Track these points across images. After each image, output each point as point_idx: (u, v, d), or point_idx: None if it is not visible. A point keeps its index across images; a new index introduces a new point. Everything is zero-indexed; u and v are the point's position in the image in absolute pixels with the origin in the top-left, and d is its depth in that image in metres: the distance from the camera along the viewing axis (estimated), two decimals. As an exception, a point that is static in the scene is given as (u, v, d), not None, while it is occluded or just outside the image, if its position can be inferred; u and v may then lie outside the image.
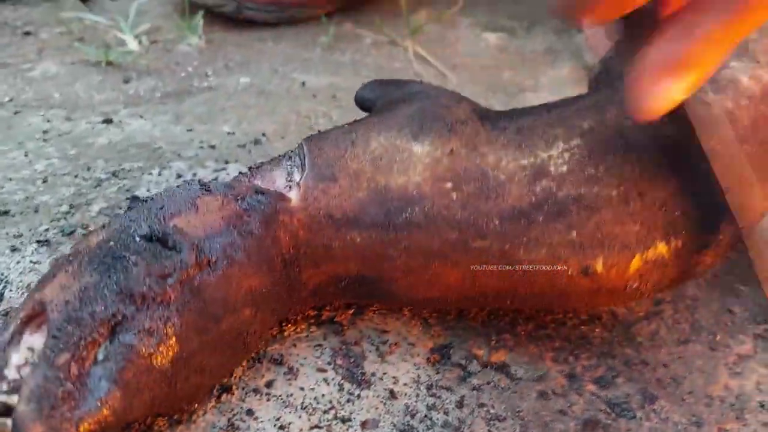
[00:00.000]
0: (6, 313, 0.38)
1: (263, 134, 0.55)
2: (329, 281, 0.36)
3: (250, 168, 0.37)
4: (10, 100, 0.56)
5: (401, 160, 0.34)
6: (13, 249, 0.42)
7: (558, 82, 0.69)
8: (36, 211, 0.45)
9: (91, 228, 0.44)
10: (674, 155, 0.35)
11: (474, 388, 0.37)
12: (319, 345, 0.38)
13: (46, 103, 0.56)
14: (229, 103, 0.59)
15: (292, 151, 0.37)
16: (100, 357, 0.26)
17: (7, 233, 0.43)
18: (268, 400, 0.35)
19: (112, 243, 0.29)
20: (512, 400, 0.37)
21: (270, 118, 0.58)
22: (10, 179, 0.47)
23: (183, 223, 0.30)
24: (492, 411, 0.36)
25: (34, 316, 0.27)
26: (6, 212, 0.44)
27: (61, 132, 0.52)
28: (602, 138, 0.35)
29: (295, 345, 0.38)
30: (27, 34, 0.66)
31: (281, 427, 0.34)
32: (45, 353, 0.26)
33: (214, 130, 0.55)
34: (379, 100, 0.41)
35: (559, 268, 0.34)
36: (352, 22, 0.75)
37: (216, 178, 0.49)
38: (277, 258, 0.33)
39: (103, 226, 0.31)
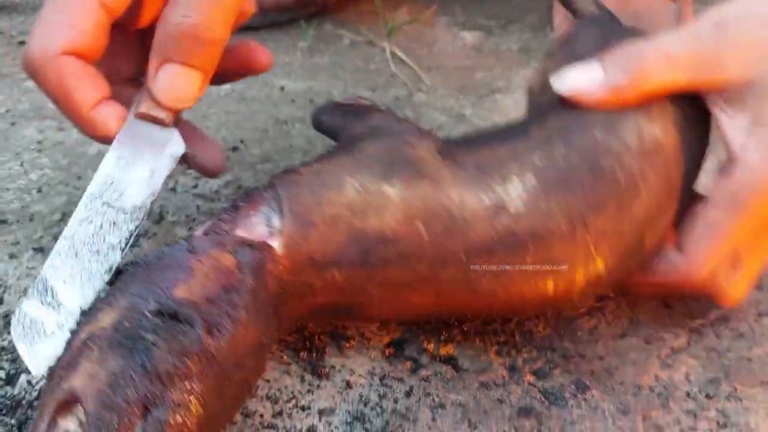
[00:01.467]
0: (6, 316, 0.42)
1: (241, 141, 0.59)
2: (309, 311, 0.39)
3: (226, 211, 0.38)
4: (7, 110, 0.60)
5: (376, 203, 0.37)
6: (11, 256, 0.46)
7: (529, 81, 0.73)
8: (31, 220, 0.49)
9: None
10: (611, 187, 0.40)
11: (422, 379, 0.42)
12: (284, 341, 0.43)
13: (40, 114, 0.60)
14: (211, 110, 0.63)
15: (265, 191, 0.38)
16: None
17: (5, 240, 0.47)
18: (237, 392, 0.40)
19: (126, 324, 0.31)
20: (456, 389, 0.41)
21: (249, 124, 0.62)
22: (8, 189, 0.51)
23: (186, 293, 0.33)
24: (437, 400, 0.40)
25: (65, 404, 0.30)
26: (4, 221, 0.49)
27: (54, 142, 0.56)
28: (551, 175, 0.39)
29: (262, 342, 0.43)
30: (22, 43, 0.69)
31: (246, 415, 0.38)
32: None
33: (196, 138, 0.59)
34: (340, 131, 0.44)
35: (515, 291, 0.39)
36: (332, 23, 0.79)
37: (196, 185, 0.54)
38: (267, 304, 0.36)
39: (108, 303, 0.33)
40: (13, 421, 0.37)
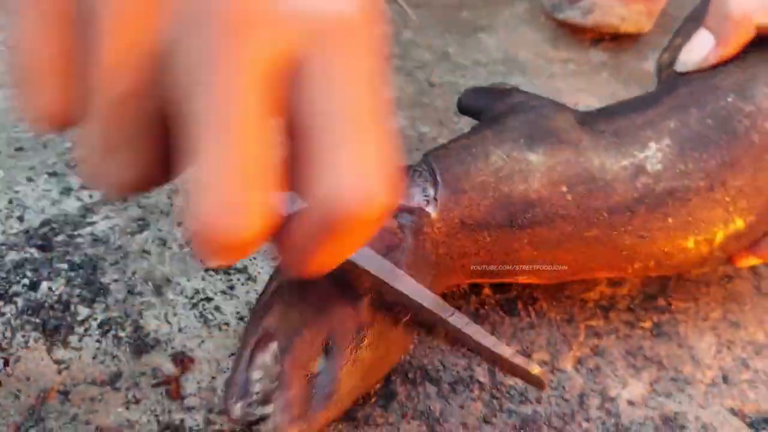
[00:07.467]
0: (27, 232, 0.48)
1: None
2: (462, 270, 0.43)
3: None
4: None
5: (520, 169, 0.41)
6: (29, 179, 0.51)
7: (513, 22, 0.75)
8: (45, 147, 0.54)
9: (90, 162, 0.53)
10: (746, 147, 0.42)
11: (393, 292, 0.47)
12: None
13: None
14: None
15: (418, 167, 0.43)
16: (319, 369, 0.35)
17: (23, 166, 0.52)
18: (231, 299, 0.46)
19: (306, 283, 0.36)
20: (422, 300, 0.47)
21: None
22: (22, 119, 0.56)
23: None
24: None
25: (262, 340, 0.35)
26: (21, 148, 0.54)
27: (62, 76, 0.61)
28: (687, 137, 0.42)
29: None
30: None
31: (240, 318, 0.44)
32: (282, 377, 0.34)
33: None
34: (484, 111, 0.47)
35: (656, 249, 0.42)
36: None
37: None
38: (425, 264, 0.40)
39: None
40: (37, 320, 0.43)
